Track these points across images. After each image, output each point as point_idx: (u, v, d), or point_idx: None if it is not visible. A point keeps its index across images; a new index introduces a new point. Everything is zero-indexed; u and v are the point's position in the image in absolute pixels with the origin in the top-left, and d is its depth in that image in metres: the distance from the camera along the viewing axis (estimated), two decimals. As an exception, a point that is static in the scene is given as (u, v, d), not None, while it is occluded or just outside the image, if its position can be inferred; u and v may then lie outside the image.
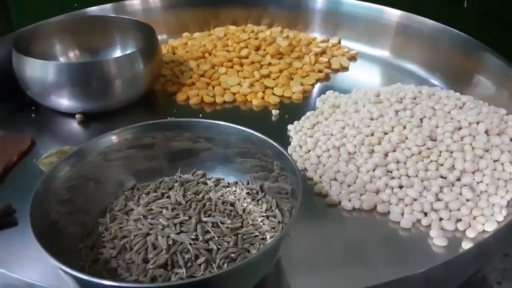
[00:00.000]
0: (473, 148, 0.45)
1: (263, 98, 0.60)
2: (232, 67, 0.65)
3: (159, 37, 0.73)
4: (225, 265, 0.33)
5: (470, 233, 0.40)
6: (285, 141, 0.53)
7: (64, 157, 0.39)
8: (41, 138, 0.54)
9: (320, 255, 0.39)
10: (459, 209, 0.42)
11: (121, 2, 0.73)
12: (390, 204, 0.43)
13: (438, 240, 0.40)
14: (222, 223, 0.36)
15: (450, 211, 0.42)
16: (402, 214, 0.42)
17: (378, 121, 0.50)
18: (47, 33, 0.62)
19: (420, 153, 0.46)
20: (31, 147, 0.52)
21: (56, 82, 0.53)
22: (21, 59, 0.54)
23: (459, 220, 0.41)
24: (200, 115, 0.58)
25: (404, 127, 0.49)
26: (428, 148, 0.46)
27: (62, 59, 0.63)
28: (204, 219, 0.36)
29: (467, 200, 0.42)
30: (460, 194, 0.43)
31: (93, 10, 0.70)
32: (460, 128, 0.47)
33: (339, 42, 0.73)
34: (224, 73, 0.64)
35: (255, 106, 0.59)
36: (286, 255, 0.38)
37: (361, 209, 0.43)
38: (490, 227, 0.40)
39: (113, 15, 0.69)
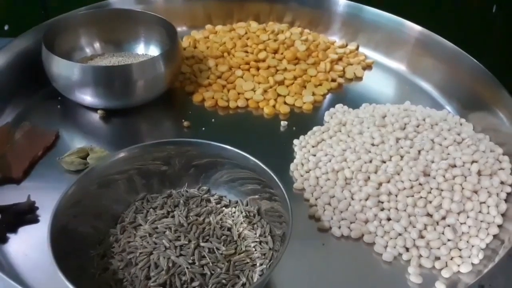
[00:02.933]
0: (462, 188, 0.48)
1: (274, 106, 0.63)
2: (248, 70, 0.67)
3: (183, 28, 0.76)
4: (216, 289, 0.38)
5: (445, 273, 0.44)
6: (289, 155, 0.56)
7: (85, 170, 0.43)
8: (65, 131, 0.58)
9: (303, 279, 0.43)
10: (439, 248, 0.45)
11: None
12: (376, 235, 0.47)
13: (414, 277, 0.43)
14: (217, 249, 0.40)
15: (431, 249, 0.45)
16: (386, 247, 0.46)
17: (379, 148, 0.53)
18: (74, 25, 0.65)
19: (412, 187, 0.48)
20: (56, 141, 0.56)
21: (80, 81, 0.57)
22: (48, 55, 0.58)
23: (437, 258, 0.45)
24: (213, 119, 0.61)
25: (402, 157, 0.51)
26: (420, 184, 0.49)
27: (88, 50, 0.67)
28: (202, 244, 0.41)
29: (448, 240, 0.45)
30: (443, 233, 0.46)
31: (116, 1, 0.72)
32: (454, 166, 0.50)
33: (357, 49, 0.74)
34: (240, 76, 0.66)
35: (266, 114, 0.62)
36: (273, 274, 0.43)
37: (349, 237, 0.47)
38: (465, 269, 0.44)
39: (137, 5, 0.72)
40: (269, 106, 0.63)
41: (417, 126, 0.55)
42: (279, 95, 0.64)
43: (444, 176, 0.49)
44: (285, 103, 0.64)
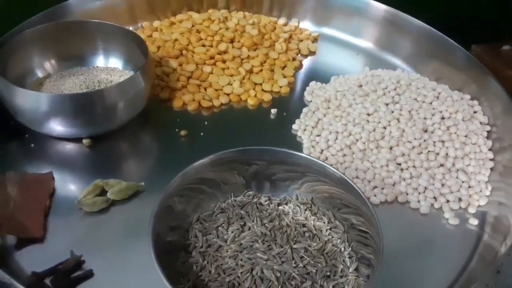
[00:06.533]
0: (457, 136, 0.56)
1: (256, 96, 0.64)
2: (215, 64, 0.66)
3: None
4: (325, 283, 0.40)
5: (471, 210, 0.52)
6: (293, 140, 0.58)
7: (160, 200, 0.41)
8: (55, 170, 0.52)
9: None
10: (459, 190, 0.53)
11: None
12: (407, 194, 0.52)
13: (452, 220, 0.51)
14: (309, 246, 0.42)
15: (452, 192, 0.53)
16: (419, 201, 0.52)
17: (375, 116, 0.58)
18: (24, 44, 0.57)
19: (420, 145, 0.55)
20: (53, 184, 0.50)
21: (56, 113, 0.51)
22: (8, 87, 0.50)
23: (460, 199, 0.52)
24: (206, 122, 0.60)
25: (398, 120, 0.57)
26: (424, 140, 0.55)
27: (39, 73, 0.59)
28: (295, 246, 0.42)
29: (463, 182, 0.53)
30: (457, 177, 0.53)
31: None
32: (442, 118, 0.57)
33: (299, 24, 0.77)
34: (210, 72, 0.65)
35: (251, 105, 0.63)
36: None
37: (386, 201, 0.52)
38: (483, 202, 0.52)
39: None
40: (253, 98, 0.63)
41: (395, 89, 0.62)
42: (255, 84, 0.65)
43: (440, 129, 0.56)
44: (263, 90, 0.65)
